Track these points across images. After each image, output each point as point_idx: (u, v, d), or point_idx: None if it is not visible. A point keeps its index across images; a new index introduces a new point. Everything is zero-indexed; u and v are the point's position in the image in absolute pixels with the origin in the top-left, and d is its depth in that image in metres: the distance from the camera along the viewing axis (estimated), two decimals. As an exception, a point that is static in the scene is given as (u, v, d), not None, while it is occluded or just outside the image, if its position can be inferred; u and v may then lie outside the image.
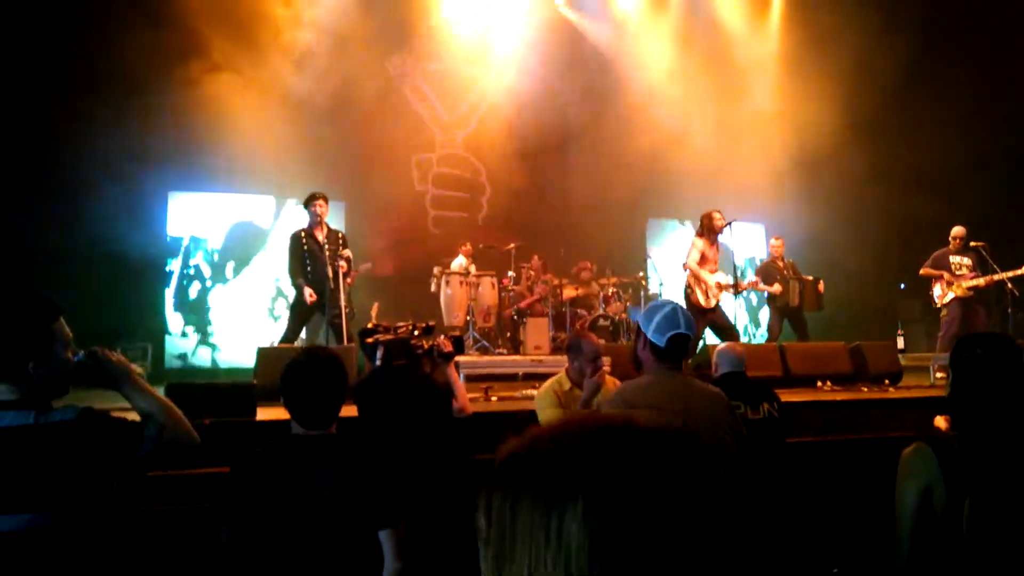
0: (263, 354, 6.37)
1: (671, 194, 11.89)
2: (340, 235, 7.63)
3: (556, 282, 9.90)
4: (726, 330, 8.12)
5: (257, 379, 5.89)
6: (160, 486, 2.28)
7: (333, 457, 2.35)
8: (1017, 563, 1.88)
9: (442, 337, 4.03)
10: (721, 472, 0.71)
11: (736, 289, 8.43)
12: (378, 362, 3.79)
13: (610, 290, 9.92)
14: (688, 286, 8.16)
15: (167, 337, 10.11)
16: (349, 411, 3.14)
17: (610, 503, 0.65)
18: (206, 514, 2.40)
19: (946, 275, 8.93)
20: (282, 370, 2.44)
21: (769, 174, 11.45)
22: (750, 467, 2.64)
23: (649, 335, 2.67)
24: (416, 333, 3.92)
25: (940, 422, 4.65)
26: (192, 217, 10.46)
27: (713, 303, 8.08)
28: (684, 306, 2.74)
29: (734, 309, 8.80)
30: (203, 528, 2.41)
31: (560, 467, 0.68)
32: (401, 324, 3.96)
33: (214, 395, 4.70)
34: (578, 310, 9.92)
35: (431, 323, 4.06)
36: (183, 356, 10.17)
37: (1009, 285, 8.66)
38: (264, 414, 4.77)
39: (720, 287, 8.09)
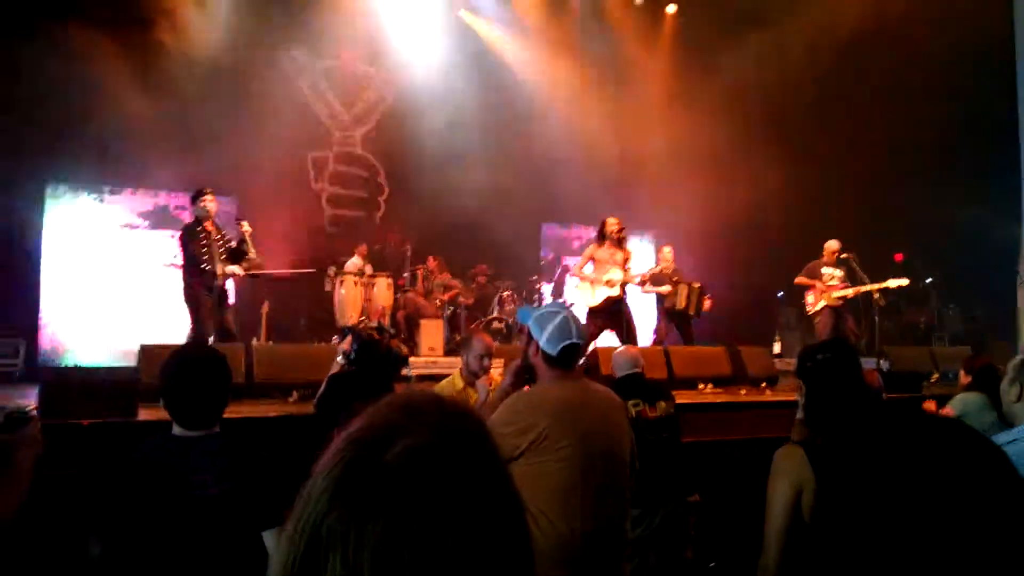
0: (147, 352, 5.91)
1: (566, 199, 12.09)
2: (223, 232, 7.44)
3: (452, 284, 9.95)
4: (619, 330, 8.06)
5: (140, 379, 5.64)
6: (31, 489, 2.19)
7: (216, 457, 2.29)
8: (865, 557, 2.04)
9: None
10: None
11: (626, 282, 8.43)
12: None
13: (505, 292, 10.06)
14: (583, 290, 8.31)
15: (40, 335, 9.47)
16: (235, 411, 3.09)
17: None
18: (79, 522, 2.31)
19: (818, 284, 9.45)
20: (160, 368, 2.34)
21: (656, 184, 11.83)
22: (635, 467, 2.73)
23: (542, 344, 2.63)
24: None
25: (930, 405, 5.02)
26: (70, 216, 9.85)
27: (599, 300, 8.03)
28: (573, 312, 2.80)
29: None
30: (76, 537, 2.32)
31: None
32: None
33: (92, 391, 4.47)
34: (473, 312, 10.01)
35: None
36: (57, 358, 9.57)
37: (876, 295, 9.26)
38: (147, 415, 4.59)
39: (610, 284, 8.00)
